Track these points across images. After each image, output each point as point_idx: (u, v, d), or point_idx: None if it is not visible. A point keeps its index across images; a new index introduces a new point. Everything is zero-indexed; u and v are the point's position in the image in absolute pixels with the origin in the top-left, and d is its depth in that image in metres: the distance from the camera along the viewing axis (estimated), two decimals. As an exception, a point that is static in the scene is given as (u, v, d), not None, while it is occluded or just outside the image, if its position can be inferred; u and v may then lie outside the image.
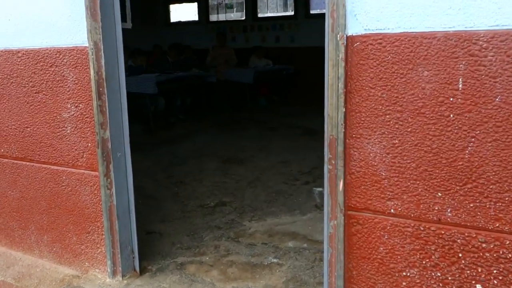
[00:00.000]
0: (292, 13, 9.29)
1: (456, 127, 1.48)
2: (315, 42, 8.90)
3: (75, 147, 2.37)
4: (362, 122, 1.62)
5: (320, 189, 3.82)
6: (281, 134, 6.14)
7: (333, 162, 1.70)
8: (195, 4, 10.43)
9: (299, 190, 3.82)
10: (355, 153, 1.65)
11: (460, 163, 1.49)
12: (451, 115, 1.48)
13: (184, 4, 10.79)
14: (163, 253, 2.71)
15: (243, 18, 9.90)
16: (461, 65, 1.44)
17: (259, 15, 9.74)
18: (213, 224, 3.17)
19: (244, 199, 3.65)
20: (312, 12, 9.05)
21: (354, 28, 1.59)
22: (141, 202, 3.63)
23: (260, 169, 4.46)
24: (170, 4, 10.86)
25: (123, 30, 2.34)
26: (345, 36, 1.59)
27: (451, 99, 1.47)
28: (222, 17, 10.46)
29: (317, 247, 2.71)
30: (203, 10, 10.29)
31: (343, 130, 1.65)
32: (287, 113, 7.93)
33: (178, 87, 6.78)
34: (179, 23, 10.83)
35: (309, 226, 3.10)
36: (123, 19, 2.25)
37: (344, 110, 1.63)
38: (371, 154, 1.62)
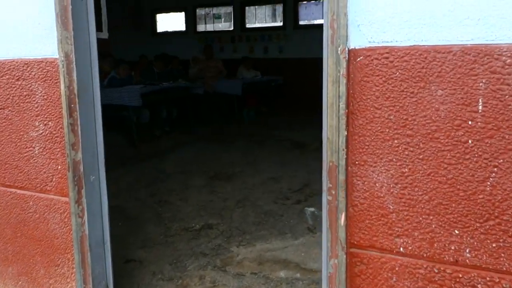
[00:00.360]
0: (281, 23, 9.15)
1: (476, 155, 1.28)
2: (304, 53, 8.80)
3: (44, 170, 2.14)
4: (366, 147, 1.42)
5: (312, 209, 3.62)
6: (270, 148, 5.94)
7: (333, 192, 1.49)
8: (182, 14, 10.24)
9: (290, 210, 3.60)
10: (359, 182, 1.45)
11: (481, 196, 1.29)
12: (470, 141, 1.28)
13: (171, 14, 10.60)
14: (142, 285, 2.47)
15: (231, 28, 9.74)
16: (481, 84, 1.25)
17: (248, 25, 9.58)
18: (198, 250, 2.94)
19: (231, 220, 3.42)
20: (301, 23, 8.91)
21: (357, 40, 1.39)
22: (121, 224, 3.39)
23: (249, 187, 4.24)
24: (156, 13, 10.66)
25: (101, 39, 2.13)
26: (347, 49, 1.40)
27: (470, 122, 1.27)
28: (210, 27, 10.28)
29: (311, 277, 2.49)
30: (191, 20, 10.11)
31: (345, 156, 1.44)
32: (275, 125, 7.73)
33: (164, 98, 6.55)
34: (166, 33, 10.62)
35: (302, 252, 2.88)
36: (99, 28, 2.03)
37: (345, 133, 1.43)
38: (377, 184, 1.42)
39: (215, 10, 10.10)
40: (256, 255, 2.85)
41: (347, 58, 1.40)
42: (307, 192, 4.05)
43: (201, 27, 10.24)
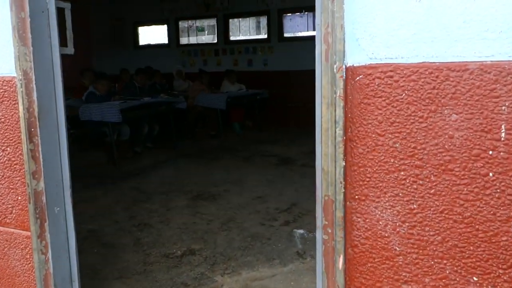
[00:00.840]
0: (265, 36, 9.00)
1: (498, 190, 1.09)
2: (289, 65, 8.65)
3: (2, 201, 1.90)
4: (368, 179, 1.22)
5: (301, 231, 3.42)
6: (256, 164, 5.73)
7: (330, 231, 1.29)
8: (165, 27, 10.05)
9: (278, 233, 3.39)
10: (359, 220, 1.25)
11: (504, 238, 1.10)
12: (491, 174, 1.10)
13: (154, 27, 10.39)
14: (115, 326, 2.24)
15: (215, 41, 9.56)
16: (503, 107, 1.07)
17: (231, 38, 9.42)
18: (179, 280, 2.70)
19: (215, 245, 3.19)
20: (285, 35, 8.77)
21: (356, 56, 1.20)
22: (96, 252, 3.15)
23: (234, 207, 4.03)
24: (138, 26, 10.44)
25: (76, 55, 1.93)
26: (344, 67, 1.21)
27: (490, 152, 1.09)
28: (193, 40, 10.09)
29: (303, 312, 2.28)
30: (173, 32, 9.91)
31: (343, 190, 1.25)
32: (261, 139, 7.54)
33: (145, 114, 6.32)
34: (148, 46, 10.41)
35: (291, 280, 2.67)
36: (63, 43, 1.82)
37: (343, 163, 1.24)
38: (380, 222, 1.22)
39: (198, 23, 9.93)
40: (242, 285, 2.63)
41: (344, 77, 1.21)
42: (295, 212, 3.85)
43: (184, 40, 10.05)
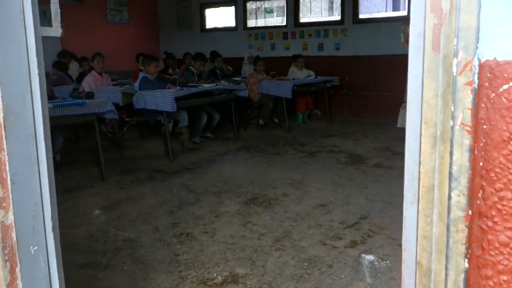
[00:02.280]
0: (339, 17, 8.20)
1: None
2: (364, 50, 7.83)
3: (-27, 230, 1.45)
4: None
5: (371, 257, 2.77)
6: (321, 162, 5.09)
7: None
8: (232, 8, 9.54)
9: (341, 258, 2.77)
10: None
11: None
12: None
13: (221, 8, 9.93)
14: None
15: (284, 23, 8.91)
16: None
17: (301, 20, 8.71)
18: (214, 319, 2.19)
19: (265, 271, 2.64)
20: (361, 16, 7.93)
21: (495, 46, 0.56)
22: (126, 269, 2.71)
23: (292, 217, 3.44)
24: (205, 8, 10.03)
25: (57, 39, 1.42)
26: (475, 62, 0.57)
27: None
28: (261, 22, 9.51)
29: None
30: (241, 15, 9.38)
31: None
32: (329, 132, 6.86)
33: (204, 102, 5.86)
34: (215, 29, 9.98)
35: (356, 335, 2.06)
36: (45, 22, 1.32)
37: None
38: None
39: (266, 4, 9.31)
40: (291, 335, 2.06)
41: (475, 84, 0.57)
42: (364, 229, 3.19)
43: (251, 23, 9.49)
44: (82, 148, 6.13)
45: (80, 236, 3.20)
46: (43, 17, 1.52)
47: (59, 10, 1.35)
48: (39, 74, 1.34)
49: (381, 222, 3.28)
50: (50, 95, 4.52)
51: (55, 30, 1.35)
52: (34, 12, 1.31)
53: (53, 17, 1.34)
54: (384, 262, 2.69)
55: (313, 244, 2.96)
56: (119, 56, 8.88)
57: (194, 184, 4.38)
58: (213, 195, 4.02)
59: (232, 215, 3.54)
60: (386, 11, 7.85)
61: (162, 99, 5.09)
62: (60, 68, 6.75)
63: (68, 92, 5.79)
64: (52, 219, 1.41)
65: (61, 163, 5.02)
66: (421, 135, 0.62)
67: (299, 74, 7.49)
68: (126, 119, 5.74)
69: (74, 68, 7.39)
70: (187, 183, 4.40)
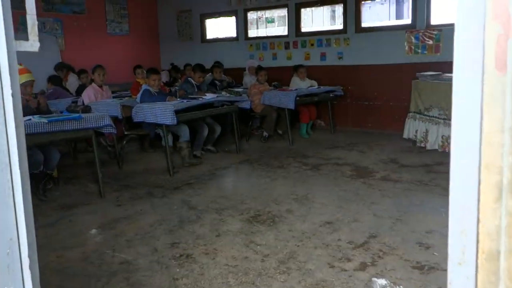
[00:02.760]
0: (341, 26, 8.07)
1: None
2: (368, 59, 7.68)
3: None
4: None
5: (383, 281, 2.59)
6: (326, 176, 4.92)
7: None
8: (233, 18, 9.42)
9: (351, 282, 2.59)
10: None
11: None
12: None
13: (221, 19, 9.81)
14: None
15: (285, 33, 8.78)
16: None
17: (303, 29, 8.58)
18: None
19: (269, 297, 2.47)
20: (364, 25, 7.80)
21: None
22: (121, 296, 2.54)
23: (297, 236, 3.27)
24: (206, 18, 9.92)
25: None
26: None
27: None
28: (262, 32, 9.39)
29: None
30: (241, 25, 9.27)
31: None
32: (334, 143, 6.70)
33: (205, 114, 5.71)
34: (216, 40, 9.86)
35: None
36: (20, 35, 1.16)
37: None
38: None
39: (268, 14, 9.19)
40: None
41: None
42: (374, 249, 3.02)
43: (252, 33, 9.37)
44: (81, 162, 5.98)
45: (74, 259, 3.03)
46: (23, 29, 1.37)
47: (36, 22, 1.20)
48: (12, 94, 1.19)
49: (392, 241, 3.10)
50: (45, 111, 4.38)
51: (32, 44, 1.20)
52: (7, 22, 1.16)
53: (29, 29, 1.19)
54: (398, 287, 2.51)
55: (320, 267, 2.79)
56: (119, 68, 8.77)
57: (195, 200, 4.22)
58: (215, 212, 3.85)
59: (235, 234, 3.37)
60: (389, 19, 7.71)
61: (161, 112, 4.95)
62: (55, 83, 6.64)
63: (66, 106, 5.66)
64: (29, 256, 1.24)
65: (59, 179, 4.87)
66: (479, 183, 0.46)
67: (301, 84, 7.35)
68: (125, 133, 5.60)
69: (73, 81, 7.27)
70: (187, 199, 4.23)
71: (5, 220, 1.19)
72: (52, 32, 8.34)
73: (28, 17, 1.22)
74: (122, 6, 9.76)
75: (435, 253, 2.91)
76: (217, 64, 7.57)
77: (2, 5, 1.13)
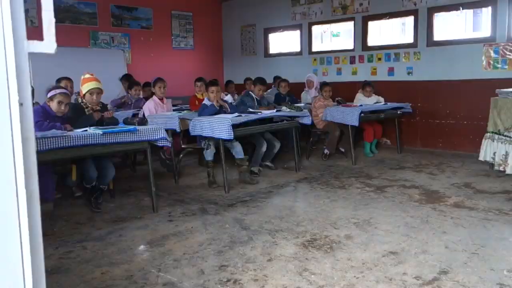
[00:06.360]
0: (411, 40, 7.63)
1: None
2: (440, 74, 7.18)
3: None
4: None
5: (455, 328, 2.21)
6: (390, 199, 4.54)
7: None
8: (298, 33, 9.24)
9: (417, 327, 2.25)
10: None
11: None
12: None
13: (285, 33, 9.67)
14: None
15: (351, 47, 8.46)
16: None
17: (370, 43, 8.22)
18: None
19: (321, 338, 2.18)
20: (436, 38, 7.32)
21: None
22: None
23: (356, 267, 2.95)
24: (269, 33, 9.82)
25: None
26: None
27: None
28: (326, 46, 9.12)
29: None
30: (306, 39, 9.06)
31: None
32: (400, 164, 6.26)
33: (263, 129, 5.52)
34: (279, 54, 9.71)
35: None
36: (32, 35, 1.01)
37: None
38: None
39: (333, 27, 8.92)
40: None
41: None
42: (445, 288, 2.64)
43: (316, 47, 9.13)
44: (139, 174, 5.99)
45: (118, 276, 2.90)
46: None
47: (53, 20, 1.05)
48: (21, 103, 1.03)
49: (467, 280, 2.71)
50: (108, 122, 4.37)
51: (47, 45, 1.04)
52: (17, 20, 1.01)
53: (45, 28, 1.04)
54: (474, 337, 2.14)
55: (382, 305, 2.46)
56: (183, 82, 8.85)
57: (248, 219, 4.01)
58: (268, 234, 3.62)
59: (287, 259, 3.11)
60: (465, 32, 7.18)
61: (218, 126, 4.82)
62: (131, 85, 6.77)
63: (128, 117, 5.70)
64: (33, 291, 1.07)
65: (115, 191, 4.85)
66: None
67: (366, 100, 6.99)
68: (183, 146, 5.53)
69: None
70: (241, 218, 4.03)
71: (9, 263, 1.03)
72: (120, 46, 8.58)
73: (43, 14, 1.06)
74: (188, 21, 9.91)
75: (520, 298, 2.48)
76: (283, 78, 7.43)
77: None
